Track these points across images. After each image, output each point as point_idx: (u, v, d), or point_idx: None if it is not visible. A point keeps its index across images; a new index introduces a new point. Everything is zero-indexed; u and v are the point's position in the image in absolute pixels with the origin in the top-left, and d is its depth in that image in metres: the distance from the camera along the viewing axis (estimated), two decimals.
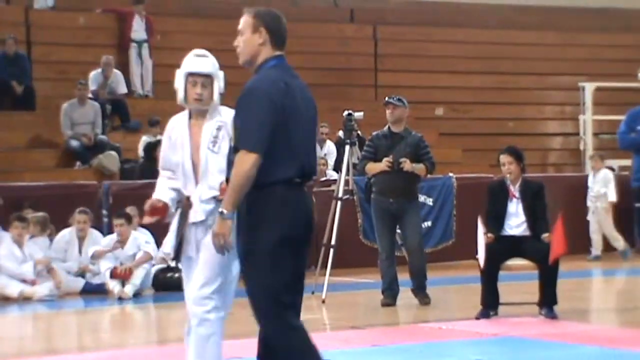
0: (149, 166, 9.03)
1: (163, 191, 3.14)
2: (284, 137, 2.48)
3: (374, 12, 14.55)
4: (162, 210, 3.12)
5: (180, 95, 3.11)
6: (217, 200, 2.94)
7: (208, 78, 3.09)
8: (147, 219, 3.27)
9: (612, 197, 9.80)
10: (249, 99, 2.49)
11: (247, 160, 2.40)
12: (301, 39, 11.71)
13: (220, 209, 2.50)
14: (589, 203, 10.06)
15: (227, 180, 2.55)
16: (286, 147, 2.49)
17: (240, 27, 2.61)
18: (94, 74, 11.05)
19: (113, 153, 10.27)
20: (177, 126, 3.17)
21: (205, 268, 2.97)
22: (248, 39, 2.57)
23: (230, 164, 2.56)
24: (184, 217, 3.07)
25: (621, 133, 5.90)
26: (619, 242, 9.91)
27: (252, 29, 2.56)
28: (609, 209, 9.88)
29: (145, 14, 12.06)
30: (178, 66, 3.16)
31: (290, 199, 2.50)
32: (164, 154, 3.23)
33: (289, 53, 2.69)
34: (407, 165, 6.18)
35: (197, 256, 3.03)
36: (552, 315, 5.43)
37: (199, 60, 3.13)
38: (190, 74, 3.08)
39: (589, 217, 10.03)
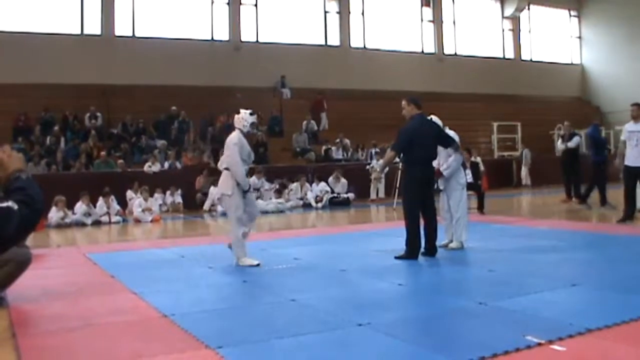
0: None
1: None
2: (416, 144, 6.73)
3: None
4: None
5: None
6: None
7: None
8: None
9: None
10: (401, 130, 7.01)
11: (390, 153, 7.09)
12: None
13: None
14: None
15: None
16: (415, 148, 6.74)
17: (403, 103, 7.05)
18: None
19: None
20: None
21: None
22: (405, 106, 7.02)
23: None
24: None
25: None
26: None
27: (407, 102, 7.02)
28: None
29: None
30: None
31: (417, 168, 6.81)
32: None
33: None
34: None
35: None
36: None
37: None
38: None
39: None
